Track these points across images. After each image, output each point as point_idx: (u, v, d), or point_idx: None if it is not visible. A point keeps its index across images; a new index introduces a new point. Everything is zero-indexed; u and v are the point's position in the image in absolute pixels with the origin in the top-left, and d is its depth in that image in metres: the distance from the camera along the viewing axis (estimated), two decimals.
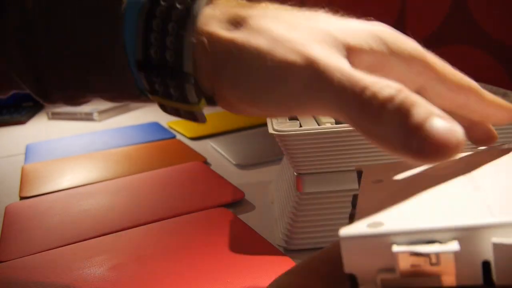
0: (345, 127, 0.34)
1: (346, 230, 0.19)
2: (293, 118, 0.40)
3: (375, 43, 0.22)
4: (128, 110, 1.00)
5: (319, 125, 0.36)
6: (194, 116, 0.28)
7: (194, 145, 0.69)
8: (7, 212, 0.48)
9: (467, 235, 0.17)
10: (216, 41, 0.23)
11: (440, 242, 0.18)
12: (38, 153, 0.69)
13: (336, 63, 0.20)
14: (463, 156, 0.26)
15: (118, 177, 0.56)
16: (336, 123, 0.37)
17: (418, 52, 0.23)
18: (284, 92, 0.22)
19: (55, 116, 0.96)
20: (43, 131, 0.87)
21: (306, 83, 0.21)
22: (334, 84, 0.20)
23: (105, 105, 0.96)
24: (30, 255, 0.38)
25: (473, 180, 0.21)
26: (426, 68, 0.23)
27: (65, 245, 0.39)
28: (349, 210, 0.37)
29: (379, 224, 0.18)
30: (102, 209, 0.46)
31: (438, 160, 0.18)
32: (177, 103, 0.27)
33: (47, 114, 0.97)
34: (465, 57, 0.76)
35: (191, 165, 0.57)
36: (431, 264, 0.18)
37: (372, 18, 0.24)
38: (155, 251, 0.37)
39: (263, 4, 0.25)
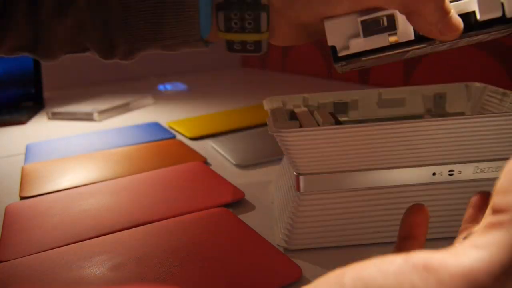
0: (345, 127, 0.34)
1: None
2: (293, 118, 0.40)
3: None
4: (128, 110, 1.00)
5: (319, 125, 0.36)
6: (259, 46, 0.37)
7: (194, 145, 0.69)
8: (7, 212, 0.48)
9: None
10: None
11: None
12: (38, 153, 0.69)
13: None
14: None
15: (118, 177, 0.56)
16: (336, 123, 0.37)
17: None
18: None
19: (55, 116, 0.96)
20: (43, 131, 0.87)
21: None
22: None
23: (105, 105, 0.96)
24: (30, 255, 0.38)
25: None
26: None
27: (65, 245, 0.39)
28: (350, 210, 0.37)
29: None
30: (102, 209, 0.46)
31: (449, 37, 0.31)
32: (249, 34, 0.36)
33: (47, 114, 0.97)
34: (465, 57, 0.76)
35: (191, 165, 0.57)
36: (383, 26, 0.31)
37: None
38: (155, 251, 0.37)
39: None
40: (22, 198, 0.53)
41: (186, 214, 0.44)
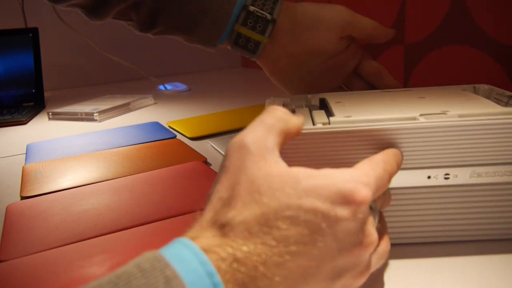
0: (341, 128, 0.34)
1: (334, 119, 0.36)
2: None
3: None
4: (129, 110, 1.00)
5: (314, 125, 0.36)
6: (257, 47, 0.50)
7: (194, 145, 0.69)
8: (8, 212, 0.48)
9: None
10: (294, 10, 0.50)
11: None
12: (38, 153, 0.70)
13: None
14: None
15: (119, 177, 0.56)
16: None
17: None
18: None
19: (55, 116, 0.96)
20: (44, 131, 0.87)
21: None
22: None
23: (106, 105, 0.97)
24: (31, 254, 0.38)
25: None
26: None
27: (65, 245, 0.40)
28: None
29: (349, 116, 0.36)
30: (102, 209, 0.47)
31: None
32: (256, 34, 0.49)
33: (48, 114, 0.97)
34: (464, 57, 0.76)
35: (191, 165, 0.58)
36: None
37: None
38: None
39: None
40: (22, 198, 0.53)
41: (186, 214, 0.44)
